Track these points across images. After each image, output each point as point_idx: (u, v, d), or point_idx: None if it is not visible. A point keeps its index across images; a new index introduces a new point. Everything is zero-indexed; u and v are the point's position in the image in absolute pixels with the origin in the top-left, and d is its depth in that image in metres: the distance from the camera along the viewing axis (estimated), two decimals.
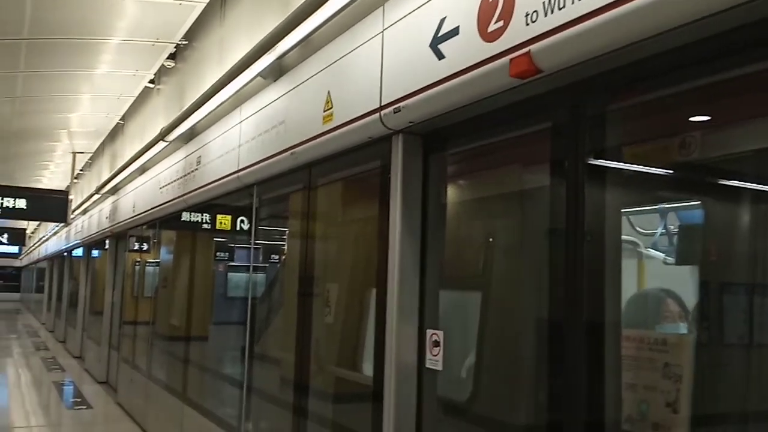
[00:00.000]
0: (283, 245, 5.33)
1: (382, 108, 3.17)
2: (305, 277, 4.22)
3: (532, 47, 2.25)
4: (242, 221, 6.00)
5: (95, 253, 14.32)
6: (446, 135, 3.17)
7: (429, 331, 3.12)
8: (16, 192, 11.42)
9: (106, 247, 13.09)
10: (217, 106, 5.54)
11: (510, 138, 2.93)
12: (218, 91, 5.29)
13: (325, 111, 3.76)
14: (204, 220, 6.66)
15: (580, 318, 2.31)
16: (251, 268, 5.11)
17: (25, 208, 11.54)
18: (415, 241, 3.21)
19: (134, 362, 8.99)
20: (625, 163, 2.56)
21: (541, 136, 2.65)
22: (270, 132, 4.54)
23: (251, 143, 4.89)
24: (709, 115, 2.47)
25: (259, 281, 5.44)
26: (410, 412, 3.15)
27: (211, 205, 6.22)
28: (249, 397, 4.89)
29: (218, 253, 8.55)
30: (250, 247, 5.35)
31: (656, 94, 2.31)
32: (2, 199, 11.25)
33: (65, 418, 9.05)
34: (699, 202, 2.90)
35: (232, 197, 5.61)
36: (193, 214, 6.83)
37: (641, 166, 2.64)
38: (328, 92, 3.73)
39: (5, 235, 24.43)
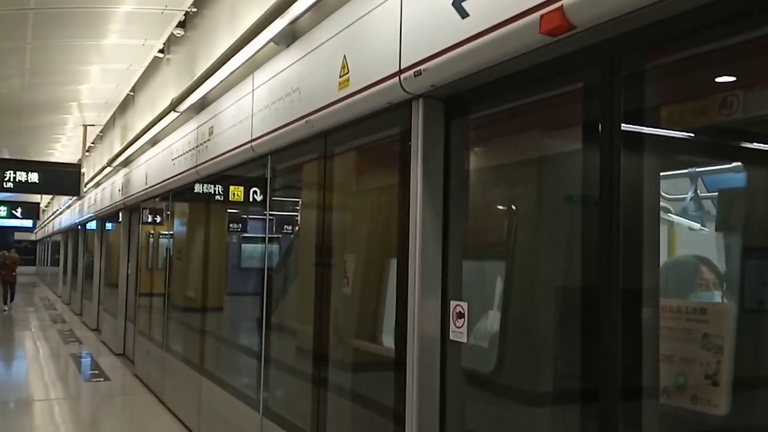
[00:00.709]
0: (298, 216, 5.24)
1: (401, 72, 3.04)
2: (322, 248, 4.13)
3: (565, 1, 2.11)
4: (255, 192, 5.91)
5: (108, 225, 14.32)
6: (469, 99, 3.04)
7: (452, 303, 3.03)
8: (28, 166, 11.40)
9: (115, 220, 13.10)
10: (229, 75, 5.41)
11: (538, 100, 2.79)
12: (229, 59, 5.16)
13: (341, 76, 3.63)
14: (217, 192, 6.57)
15: (617, 287, 2.20)
16: (266, 239, 5.03)
17: (38, 181, 11.52)
18: (436, 210, 3.10)
19: (150, 334, 9.00)
20: (662, 125, 2.43)
21: (572, 98, 2.52)
22: (284, 100, 4.42)
23: (264, 112, 4.78)
24: (752, 73, 2.33)
25: (274, 252, 5.36)
26: (434, 384, 3.07)
27: (224, 176, 6.13)
28: (267, 369, 4.83)
29: (231, 225, 8.50)
30: (264, 218, 5.26)
31: (696, 50, 2.18)
32: (15, 173, 11.23)
33: (84, 390, 9.10)
34: (740, 165, 2.77)
35: (245, 168, 5.51)
36: (206, 185, 6.74)
37: (679, 129, 2.51)
38: (344, 57, 3.60)
39: (19, 209, 24.57)
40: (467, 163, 3.18)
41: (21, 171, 11.19)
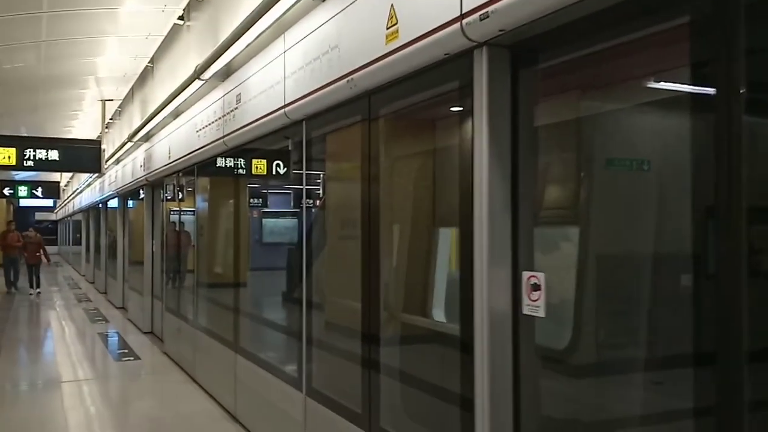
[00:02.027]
0: (337, 185, 4.94)
1: (463, 16, 2.71)
2: (367, 219, 3.83)
3: None
4: (288, 162, 5.62)
5: (131, 203, 14.14)
6: (539, 45, 2.72)
7: (525, 274, 2.73)
8: (48, 143, 11.15)
9: (142, 196, 12.89)
10: (257, 36, 5.08)
11: (627, 42, 2.45)
12: (257, 20, 4.83)
13: (388, 28, 3.30)
14: (246, 163, 6.28)
15: (738, 257, 1.89)
16: (303, 212, 4.74)
17: (58, 159, 11.28)
18: (504, 172, 2.79)
19: (179, 311, 8.81)
20: None
21: (672, 36, 2.18)
22: (320, 59, 4.10)
23: (298, 74, 4.46)
24: None
25: (311, 225, 5.08)
26: (506, 363, 2.79)
27: (253, 146, 5.83)
28: (310, 347, 4.58)
29: (254, 199, 8.24)
30: (300, 189, 4.96)
31: None
32: (35, 151, 11.00)
33: (114, 370, 8.96)
34: None
35: (277, 136, 5.21)
36: (234, 156, 6.46)
37: None
38: (392, 5, 3.26)
39: (40, 189, 24.50)
40: (536, 119, 2.86)
41: (41, 149, 10.95)
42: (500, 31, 2.59)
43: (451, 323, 3.88)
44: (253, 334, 6.32)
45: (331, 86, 3.96)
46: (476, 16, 2.63)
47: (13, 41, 8.16)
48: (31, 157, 11.06)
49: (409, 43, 3.12)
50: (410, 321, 4.00)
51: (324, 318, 4.70)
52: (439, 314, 4.07)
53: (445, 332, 3.78)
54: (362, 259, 3.87)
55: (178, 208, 9.57)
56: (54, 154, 11.23)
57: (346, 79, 3.75)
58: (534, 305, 2.68)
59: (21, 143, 10.90)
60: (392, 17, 3.26)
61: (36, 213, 46.07)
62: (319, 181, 5.31)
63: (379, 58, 3.40)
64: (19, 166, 10.95)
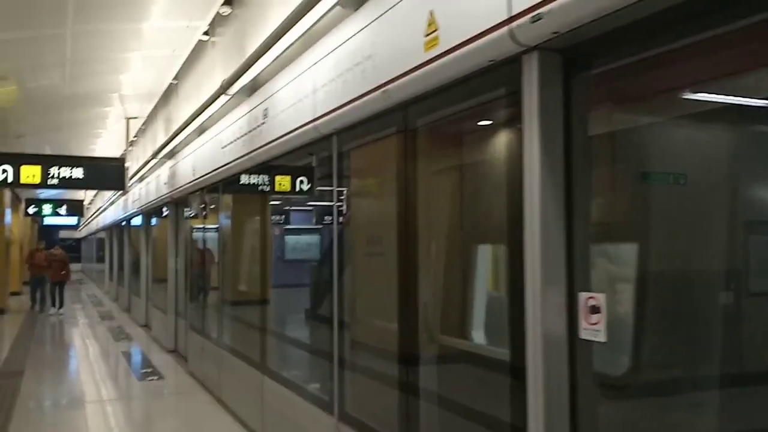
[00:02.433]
0: (367, 200, 4.77)
1: (512, 19, 2.54)
2: (404, 236, 3.65)
3: None
4: (316, 177, 5.48)
5: (154, 220, 14.10)
6: (593, 49, 2.53)
7: (582, 295, 2.53)
8: (72, 161, 11.10)
9: (164, 214, 12.82)
10: (286, 49, 4.95)
11: (693, 44, 2.26)
12: (286, 31, 4.70)
13: (427, 35, 3.13)
14: (272, 180, 6.14)
15: None
16: (335, 229, 4.56)
17: (82, 177, 11.22)
18: (557, 184, 2.61)
19: (204, 330, 8.66)
20: None
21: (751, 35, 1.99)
22: (353, 70, 3.95)
23: (329, 86, 4.31)
24: None
25: (341, 242, 4.91)
26: (562, 391, 2.58)
27: (280, 162, 5.69)
28: (342, 369, 4.39)
29: (280, 216, 8.11)
30: (325, 205, 4.80)
31: None
32: (59, 169, 10.94)
33: (138, 390, 8.82)
34: None
35: (305, 151, 5.07)
36: (260, 173, 6.32)
37: None
38: (431, 12, 3.10)
39: (64, 207, 24.63)
40: (590, 128, 2.67)
41: (65, 167, 10.92)
42: (554, 33, 2.42)
43: (492, 345, 3.69)
44: (281, 354, 6.15)
45: (365, 98, 3.80)
46: (527, 18, 2.45)
47: (38, 60, 8.13)
48: (56, 175, 11.00)
49: (450, 50, 2.96)
50: (449, 343, 3.80)
51: (352, 338, 4.52)
52: (479, 336, 3.87)
53: (487, 355, 3.57)
54: (399, 278, 3.69)
55: (201, 226, 9.46)
56: (78, 172, 11.16)
57: (381, 90, 3.59)
58: (593, 329, 2.47)
59: (46, 161, 10.86)
60: (431, 23, 3.10)
61: (60, 231, 46.49)
62: (357, 194, 5.14)
63: (416, 67, 3.24)
64: (44, 184, 10.88)
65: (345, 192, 4.68)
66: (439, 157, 3.86)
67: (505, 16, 2.57)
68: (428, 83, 3.22)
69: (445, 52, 3.00)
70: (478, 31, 2.74)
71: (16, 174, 10.77)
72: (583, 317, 2.52)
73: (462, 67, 2.95)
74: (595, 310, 2.48)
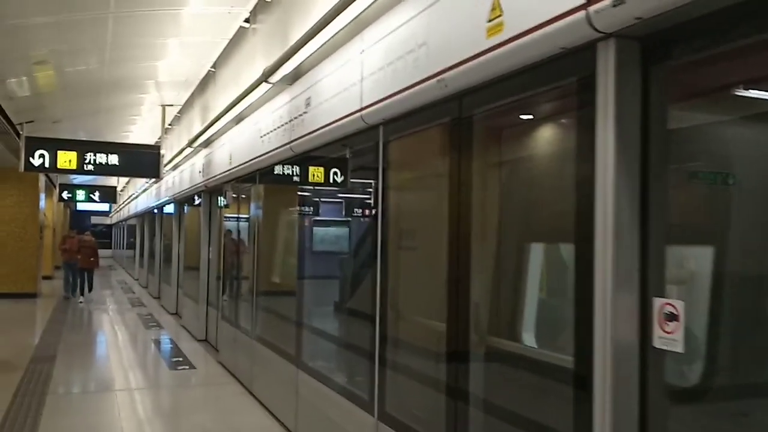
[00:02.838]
0: (413, 194, 4.62)
1: (590, 2, 2.36)
2: (456, 232, 3.49)
3: None
4: (362, 169, 5.32)
5: (187, 208, 14.10)
6: (675, 37, 2.35)
7: (657, 301, 2.36)
8: (108, 148, 11.15)
9: (197, 202, 12.81)
10: (332, 36, 4.79)
11: None
12: (334, 18, 4.54)
13: (489, 21, 2.97)
14: (313, 170, 6.01)
15: None
16: (379, 223, 4.40)
17: (117, 164, 11.27)
18: (633, 182, 2.44)
19: (237, 321, 8.59)
20: None
21: None
22: (404, 59, 3.80)
23: (378, 75, 4.17)
24: None
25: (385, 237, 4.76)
26: (632, 404, 2.42)
27: (321, 153, 5.56)
28: (383, 367, 4.25)
29: (321, 208, 7.99)
30: (375, 198, 4.62)
31: None
32: (95, 155, 11.00)
33: (169, 379, 8.77)
34: None
35: (349, 141, 4.92)
36: (300, 164, 6.20)
37: None
38: None
39: (97, 193, 24.86)
40: (669, 121, 2.49)
41: (101, 153, 10.95)
42: (636, 19, 2.24)
43: (547, 350, 3.52)
44: (322, 351, 6.02)
45: (417, 87, 3.65)
46: (607, 2, 2.28)
47: (79, 44, 8.09)
48: (92, 161, 11.07)
49: (515, 37, 2.79)
50: (498, 345, 3.64)
51: (395, 335, 4.37)
52: (530, 339, 3.70)
53: (541, 360, 3.41)
54: (448, 276, 3.53)
55: (236, 215, 9.39)
56: (114, 159, 11.22)
57: (436, 79, 3.43)
58: (669, 338, 2.30)
59: (82, 147, 10.91)
60: (495, 7, 2.93)
61: (92, 217, 47.12)
62: (404, 188, 4.98)
63: (477, 54, 3.08)
64: (80, 170, 10.96)
65: (390, 185, 4.52)
66: (495, 149, 3.69)
67: (581, 0, 2.40)
68: (490, 71, 3.06)
69: (509, 39, 2.83)
70: (550, 17, 2.57)
71: (53, 159, 10.83)
72: (658, 324, 2.35)
73: (528, 56, 2.79)
74: (671, 317, 2.30)
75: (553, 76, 2.78)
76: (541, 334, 3.61)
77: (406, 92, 3.78)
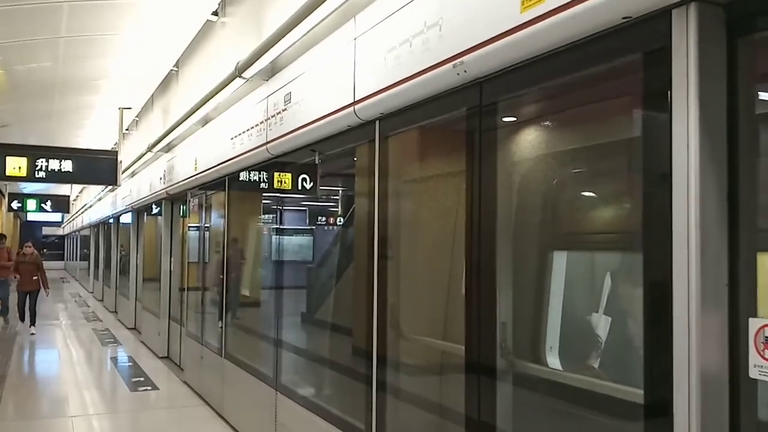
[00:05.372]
0: (419, 197, 4.15)
1: None
2: (476, 240, 3.03)
3: None
4: (353, 171, 4.83)
5: (146, 217, 13.41)
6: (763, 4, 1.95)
7: (755, 322, 1.93)
8: (62, 153, 10.41)
9: (154, 212, 12.15)
10: (318, 23, 4.31)
11: None
12: (321, 3, 4.07)
13: None
14: (293, 174, 5.50)
15: None
16: (376, 230, 3.92)
17: (71, 170, 10.54)
18: (720, 177, 2.01)
19: (204, 338, 7.99)
20: None
21: None
22: (410, 43, 3.33)
23: (376, 63, 3.69)
24: None
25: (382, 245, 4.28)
26: None
27: (303, 154, 5.05)
28: (381, 394, 3.76)
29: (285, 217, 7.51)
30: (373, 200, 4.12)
31: None
32: (47, 162, 10.26)
33: (129, 401, 8.10)
34: None
35: (337, 140, 4.44)
36: (278, 166, 5.68)
37: None
38: None
39: (49, 203, 23.79)
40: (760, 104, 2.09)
41: (54, 159, 10.22)
42: None
43: (580, 374, 3.08)
44: (307, 374, 5.51)
45: (426, 75, 3.19)
46: None
47: (30, 37, 7.41)
48: (44, 168, 10.33)
49: (561, 7, 2.35)
50: (523, 369, 3.19)
51: (395, 358, 3.89)
52: (555, 360, 3.26)
53: (578, 386, 2.97)
54: (467, 290, 3.07)
55: (198, 225, 8.80)
56: (67, 165, 10.48)
57: (452, 63, 2.98)
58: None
59: (33, 152, 10.16)
60: None
61: (43, 227, 45.57)
62: (408, 190, 4.50)
63: (506, 32, 2.63)
64: (30, 178, 10.19)
65: (387, 188, 4.05)
66: (526, 141, 3.25)
67: None
68: (525, 51, 2.61)
69: (553, 10, 2.39)
70: None
71: (1, 166, 10.06)
72: (755, 351, 1.93)
73: (577, 30, 2.35)
74: None
75: (611, 53, 2.34)
76: (572, 355, 3.18)
77: (412, 81, 3.32)
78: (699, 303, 1.97)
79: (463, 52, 2.91)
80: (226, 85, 5.92)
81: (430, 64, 3.15)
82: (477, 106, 3.00)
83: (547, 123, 3.21)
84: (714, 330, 2.00)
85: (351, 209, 6.08)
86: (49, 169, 10.38)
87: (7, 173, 10.16)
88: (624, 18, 2.18)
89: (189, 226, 9.87)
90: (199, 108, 7.06)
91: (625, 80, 2.40)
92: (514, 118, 3.13)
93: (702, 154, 1.98)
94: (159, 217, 11.62)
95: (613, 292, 2.93)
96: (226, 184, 7.07)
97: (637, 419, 2.19)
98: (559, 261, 3.32)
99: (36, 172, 10.33)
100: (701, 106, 1.98)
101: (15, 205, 20.18)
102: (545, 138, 3.25)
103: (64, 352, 11.83)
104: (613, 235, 2.94)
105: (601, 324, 2.97)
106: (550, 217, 3.37)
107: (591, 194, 3.15)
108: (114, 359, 11.08)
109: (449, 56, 3.00)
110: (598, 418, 2.85)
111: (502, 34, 2.66)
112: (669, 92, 2.05)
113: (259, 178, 6.17)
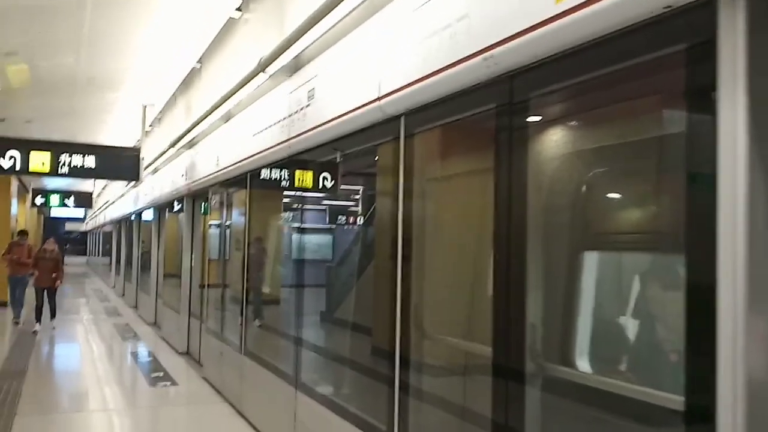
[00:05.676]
0: (447, 195, 4.07)
1: None
2: (505, 240, 2.95)
3: None
4: (370, 168, 4.77)
5: (168, 214, 13.45)
6: None
7: None
8: (85, 149, 10.46)
9: (175, 209, 12.18)
10: (344, 17, 4.24)
11: None
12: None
13: None
14: (316, 171, 5.45)
15: None
16: (399, 229, 3.83)
17: (94, 166, 10.59)
18: None
19: (224, 335, 7.96)
20: None
21: None
22: (438, 36, 3.25)
23: (401, 58, 3.62)
24: None
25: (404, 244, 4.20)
26: None
27: (326, 150, 4.99)
28: (403, 395, 3.69)
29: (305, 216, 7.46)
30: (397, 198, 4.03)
31: None
32: (71, 157, 10.32)
33: (148, 397, 8.10)
34: None
35: (360, 137, 4.36)
36: (298, 163, 5.62)
37: None
38: None
39: (72, 198, 24.02)
40: None
41: (77, 154, 10.27)
42: None
43: (610, 378, 2.99)
44: (328, 373, 5.45)
45: (455, 68, 3.11)
46: None
47: (54, 34, 7.43)
48: (66, 164, 10.40)
49: None
50: (552, 372, 3.10)
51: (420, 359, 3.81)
52: (585, 364, 3.17)
53: (609, 390, 2.87)
54: (495, 291, 2.98)
55: (218, 222, 8.78)
56: (90, 161, 10.54)
57: (482, 56, 2.89)
58: None
59: (56, 149, 10.22)
60: None
61: (66, 223, 46.11)
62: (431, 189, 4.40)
63: (540, 23, 2.54)
64: (54, 173, 10.26)
65: (412, 185, 3.97)
66: (555, 140, 3.16)
67: None
68: (556, 44, 2.53)
69: (588, 0, 2.30)
70: None
71: (25, 161, 10.12)
72: None
73: (615, 21, 2.26)
74: None
75: (650, 45, 2.24)
76: (602, 358, 3.08)
77: (440, 75, 3.24)
78: (746, 306, 1.88)
79: (493, 44, 2.83)
80: (249, 81, 5.88)
81: (460, 57, 3.07)
82: (507, 100, 2.92)
83: (579, 119, 3.12)
84: (761, 334, 1.90)
85: (372, 208, 6.00)
86: (72, 165, 10.44)
87: (31, 168, 10.22)
88: (665, 7, 2.08)
89: (210, 224, 9.87)
90: (221, 104, 7.03)
91: (666, 74, 2.30)
92: (546, 114, 3.04)
93: (751, 155, 1.89)
94: (180, 214, 11.64)
95: (646, 293, 2.83)
96: (247, 182, 7.03)
97: (676, 426, 2.09)
98: (589, 261, 3.22)
99: (59, 168, 10.39)
100: (751, 100, 1.89)
101: (39, 200, 20.42)
102: (577, 134, 3.15)
103: (84, 346, 11.89)
104: (649, 236, 2.84)
105: (635, 327, 2.87)
106: (581, 217, 3.27)
107: (628, 193, 3.05)
108: (134, 354, 11.11)
109: (479, 49, 2.92)
110: (632, 424, 2.76)
111: (535, 25, 2.57)
112: (714, 85, 1.96)
113: (280, 175, 6.13)
